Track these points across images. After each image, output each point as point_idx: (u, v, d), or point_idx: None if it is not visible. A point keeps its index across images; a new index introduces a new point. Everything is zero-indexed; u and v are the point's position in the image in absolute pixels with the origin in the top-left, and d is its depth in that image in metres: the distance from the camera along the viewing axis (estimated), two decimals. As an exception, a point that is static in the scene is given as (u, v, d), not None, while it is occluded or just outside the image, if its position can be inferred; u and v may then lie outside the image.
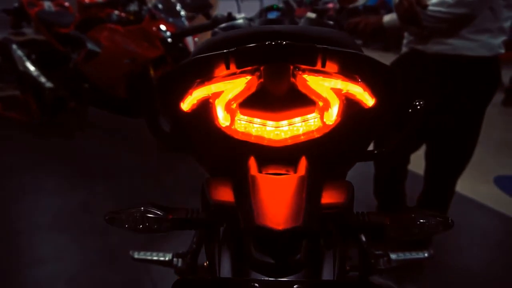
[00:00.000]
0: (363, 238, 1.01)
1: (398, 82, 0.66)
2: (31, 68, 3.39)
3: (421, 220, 0.69)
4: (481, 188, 2.71)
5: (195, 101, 0.65)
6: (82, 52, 3.15)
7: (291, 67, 0.61)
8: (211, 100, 0.64)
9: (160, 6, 2.95)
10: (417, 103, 0.75)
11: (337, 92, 0.63)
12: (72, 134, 3.59)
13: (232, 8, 1.86)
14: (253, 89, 0.63)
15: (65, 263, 1.90)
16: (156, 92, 0.69)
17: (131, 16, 3.00)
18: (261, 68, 0.61)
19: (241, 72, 0.62)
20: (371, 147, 0.81)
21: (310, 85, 0.62)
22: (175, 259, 1.03)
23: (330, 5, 8.32)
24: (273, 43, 0.59)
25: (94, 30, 3.11)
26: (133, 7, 2.95)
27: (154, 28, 2.82)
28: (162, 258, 1.04)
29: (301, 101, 0.64)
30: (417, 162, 1.99)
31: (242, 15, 1.72)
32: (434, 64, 1.60)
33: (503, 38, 1.54)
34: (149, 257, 1.05)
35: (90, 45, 3.07)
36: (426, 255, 0.97)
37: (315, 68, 0.61)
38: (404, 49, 1.77)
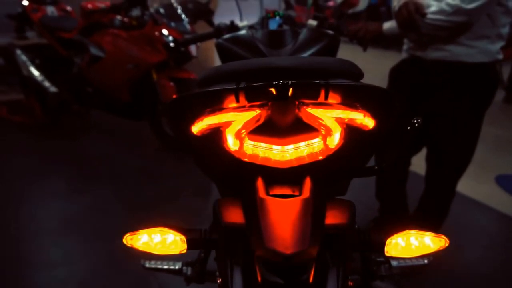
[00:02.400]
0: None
1: (395, 103, 0.69)
2: (35, 73, 3.43)
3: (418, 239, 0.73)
4: (483, 188, 2.72)
5: (205, 126, 0.68)
6: (86, 57, 3.18)
7: (296, 102, 0.65)
8: (222, 129, 0.68)
9: (162, 11, 2.98)
10: (415, 121, 0.78)
11: (339, 120, 0.67)
12: (76, 137, 3.63)
13: (232, 8, 1.89)
14: (261, 121, 0.67)
15: (73, 266, 1.94)
16: (167, 115, 0.72)
17: (133, 21, 3.02)
18: (269, 103, 0.65)
19: (250, 106, 0.66)
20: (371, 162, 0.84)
21: (313, 117, 0.66)
22: (184, 268, 1.07)
23: (331, 3, 8.34)
24: (280, 83, 0.63)
25: (97, 35, 3.14)
26: (135, 12, 2.97)
27: (156, 33, 2.85)
28: (172, 267, 1.08)
29: (305, 128, 0.68)
30: (419, 163, 2.01)
31: (245, 23, 1.74)
32: (434, 70, 1.63)
33: (501, 44, 1.57)
34: (160, 266, 1.09)
35: (93, 50, 3.10)
36: (425, 261, 1.01)
37: (318, 101, 0.65)
38: (403, 55, 1.80)
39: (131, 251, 0.80)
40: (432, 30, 1.51)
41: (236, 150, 0.69)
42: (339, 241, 0.69)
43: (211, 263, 0.98)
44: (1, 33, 4.10)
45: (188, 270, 1.06)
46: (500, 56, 1.57)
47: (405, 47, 1.78)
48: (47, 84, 3.41)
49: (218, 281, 0.77)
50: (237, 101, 0.65)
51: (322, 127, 0.67)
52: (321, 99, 0.64)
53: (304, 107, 0.65)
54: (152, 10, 2.97)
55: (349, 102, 0.65)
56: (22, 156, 3.19)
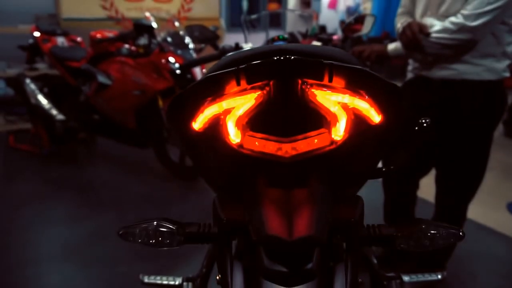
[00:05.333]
0: (375, 261, 1.00)
1: (403, 100, 0.67)
2: (43, 101, 3.48)
3: (432, 231, 0.68)
4: (494, 215, 2.67)
5: (206, 119, 0.66)
6: (93, 85, 3.22)
7: (299, 81, 0.63)
8: (222, 117, 0.66)
9: (169, 39, 3.03)
10: (423, 121, 0.76)
11: (344, 106, 0.65)
12: (81, 164, 3.63)
13: (239, 40, 1.91)
14: (263, 104, 0.65)
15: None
16: (168, 114, 0.70)
17: (141, 49, 3.08)
18: (271, 83, 0.63)
19: (251, 88, 0.64)
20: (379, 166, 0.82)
21: (318, 100, 0.64)
22: (185, 283, 1.03)
23: (335, 37, 8.49)
24: (282, 58, 0.61)
25: (105, 63, 3.20)
26: (143, 40, 3.03)
27: (163, 60, 2.89)
28: (172, 282, 1.03)
29: (309, 117, 0.66)
30: (427, 190, 1.97)
31: (249, 44, 1.76)
32: (440, 89, 1.62)
33: (507, 62, 1.56)
34: (159, 281, 1.04)
35: (100, 78, 3.14)
36: (439, 277, 0.96)
37: (322, 82, 0.63)
38: (409, 76, 1.79)
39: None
40: (437, 49, 1.52)
41: (238, 143, 0.67)
42: (347, 234, 0.65)
43: (212, 280, 0.94)
44: (13, 64, 4.21)
45: (189, 286, 1.02)
46: (507, 74, 1.56)
47: (410, 67, 1.78)
48: (54, 112, 3.45)
49: (217, 277, 0.73)
50: (238, 84, 0.63)
51: (326, 113, 0.65)
52: (326, 80, 0.62)
53: (308, 87, 0.63)
54: (159, 38, 3.03)
55: (354, 88, 0.64)
56: (28, 183, 3.17)
